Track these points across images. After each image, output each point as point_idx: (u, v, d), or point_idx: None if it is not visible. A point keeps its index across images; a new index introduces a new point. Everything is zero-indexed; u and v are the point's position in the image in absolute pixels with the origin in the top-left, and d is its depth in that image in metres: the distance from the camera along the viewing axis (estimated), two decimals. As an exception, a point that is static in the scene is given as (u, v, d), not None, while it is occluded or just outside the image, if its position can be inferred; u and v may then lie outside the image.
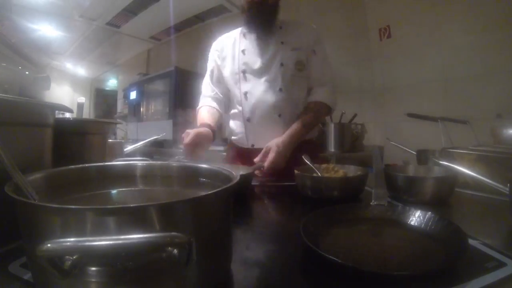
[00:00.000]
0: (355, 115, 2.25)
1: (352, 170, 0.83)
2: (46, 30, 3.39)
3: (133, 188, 0.46)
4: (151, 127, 3.08)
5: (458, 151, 0.91)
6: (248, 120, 1.11)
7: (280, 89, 1.07)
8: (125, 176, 0.46)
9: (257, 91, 1.09)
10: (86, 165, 0.45)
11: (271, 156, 0.97)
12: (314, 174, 0.80)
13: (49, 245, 0.21)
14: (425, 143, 1.52)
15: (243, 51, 1.12)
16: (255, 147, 1.11)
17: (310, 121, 1.08)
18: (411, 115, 1.43)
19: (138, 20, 3.41)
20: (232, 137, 1.21)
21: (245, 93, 1.10)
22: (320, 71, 1.12)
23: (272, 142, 1.00)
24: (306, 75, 1.11)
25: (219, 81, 1.20)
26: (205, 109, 1.17)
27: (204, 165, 0.47)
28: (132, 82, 3.62)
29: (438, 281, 0.34)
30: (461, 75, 1.91)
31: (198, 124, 1.08)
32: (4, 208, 0.30)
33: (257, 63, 1.09)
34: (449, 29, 1.95)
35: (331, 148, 2.22)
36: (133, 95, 3.45)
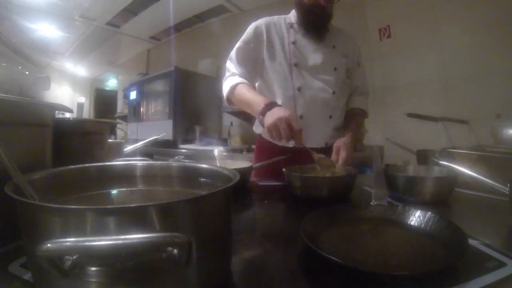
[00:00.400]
0: (355, 115, 2.25)
1: (342, 170, 0.85)
2: (46, 30, 3.39)
3: (133, 188, 0.46)
4: (151, 127, 3.08)
5: (458, 151, 0.91)
6: (301, 117, 1.05)
7: (334, 92, 1.06)
8: (125, 176, 0.46)
9: (312, 89, 1.05)
10: (86, 165, 0.45)
11: (343, 153, 0.93)
12: (312, 174, 0.80)
13: (49, 245, 0.21)
14: (425, 143, 1.52)
15: (293, 43, 1.06)
16: (306, 146, 0.92)
17: (360, 123, 1.16)
18: (411, 115, 1.43)
19: (138, 20, 3.41)
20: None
21: (299, 88, 1.04)
22: (362, 82, 1.20)
23: (340, 141, 0.98)
24: (350, 83, 1.15)
25: (244, 62, 1.10)
26: (247, 86, 1.04)
27: (204, 165, 0.47)
28: (132, 82, 3.62)
29: (438, 281, 0.34)
30: (461, 75, 1.91)
31: (258, 101, 0.94)
32: (4, 208, 0.30)
33: (310, 60, 1.05)
34: (449, 29, 1.95)
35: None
36: (133, 95, 3.45)
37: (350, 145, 0.97)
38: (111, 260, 0.24)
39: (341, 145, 0.96)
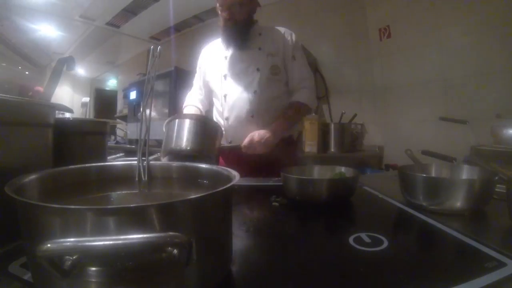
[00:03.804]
0: (355, 115, 2.25)
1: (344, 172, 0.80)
2: (46, 30, 3.39)
3: (133, 188, 0.46)
4: (151, 127, 3.07)
5: (491, 149, 0.82)
6: (227, 119, 1.21)
7: (255, 92, 1.16)
8: (125, 176, 0.46)
9: (234, 93, 1.19)
10: (86, 165, 0.45)
11: (246, 139, 1.07)
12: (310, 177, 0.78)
13: (49, 245, 0.21)
14: (425, 143, 1.52)
15: (225, 57, 1.23)
16: (232, 144, 1.21)
17: (291, 115, 1.18)
18: (443, 118, 1.42)
19: (138, 20, 3.41)
20: None
21: (225, 95, 1.21)
22: (300, 75, 1.21)
23: (253, 132, 1.09)
24: (281, 79, 1.20)
25: (203, 84, 1.33)
26: (191, 108, 1.30)
27: (204, 165, 0.47)
28: (132, 82, 3.61)
29: (438, 281, 0.34)
30: (461, 75, 1.91)
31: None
32: (4, 208, 0.30)
33: (236, 68, 1.20)
34: (449, 29, 1.95)
35: (331, 148, 2.22)
36: (133, 95, 3.44)
37: (259, 135, 1.07)
38: (111, 260, 0.24)
39: (252, 134, 1.08)
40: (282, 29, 1.23)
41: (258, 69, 1.17)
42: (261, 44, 1.19)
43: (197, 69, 1.37)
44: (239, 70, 1.20)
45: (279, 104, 1.20)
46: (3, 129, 0.40)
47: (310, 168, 0.88)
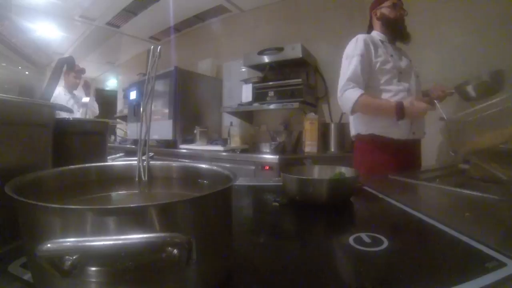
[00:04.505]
0: (355, 115, 2.25)
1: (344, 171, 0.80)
2: (46, 30, 3.39)
3: (133, 188, 0.46)
4: (151, 127, 3.07)
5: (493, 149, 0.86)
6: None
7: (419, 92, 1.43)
8: (125, 176, 0.46)
9: (414, 88, 1.38)
10: (86, 165, 0.45)
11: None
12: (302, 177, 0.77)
13: (49, 245, 0.21)
14: (424, 143, 1.52)
15: (392, 56, 1.39)
16: (415, 134, 1.38)
17: None
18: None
19: (138, 20, 3.41)
20: (388, 130, 1.35)
21: (408, 89, 1.36)
22: None
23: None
24: None
25: (362, 72, 1.34)
26: (369, 96, 1.31)
27: (204, 165, 0.47)
28: (132, 82, 3.62)
29: (438, 281, 0.34)
30: (461, 75, 1.91)
31: (387, 105, 1.28)
32: (4, 208, 0.30)
33: (404, 67, 1.39)
34: (449, 28, 1.95)
35: (331, 148, 2.23)
36: (133, 95, 3.44)
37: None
38: (111, 260, 0.24)
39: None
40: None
41: (417, 76, 1.47)
42: (408, 57, 1.49)
43: (357, 56, 1.35)
44: (408, 70, 1.40)
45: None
46: (3, 129, 0.40)
47: (310, 168, 0.88)
